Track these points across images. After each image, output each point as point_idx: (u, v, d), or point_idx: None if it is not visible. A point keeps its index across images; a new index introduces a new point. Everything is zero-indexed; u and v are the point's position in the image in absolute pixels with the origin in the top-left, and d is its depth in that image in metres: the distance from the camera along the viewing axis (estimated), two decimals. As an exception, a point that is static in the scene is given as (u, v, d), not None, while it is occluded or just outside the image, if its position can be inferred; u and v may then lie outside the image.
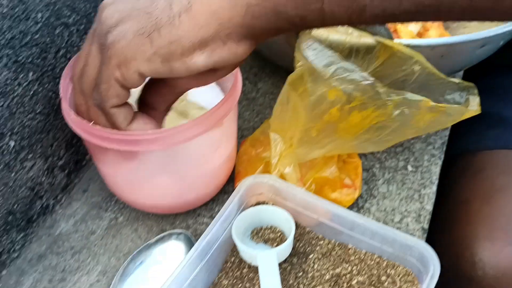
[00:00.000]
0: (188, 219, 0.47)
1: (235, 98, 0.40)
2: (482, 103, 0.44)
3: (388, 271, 0.39)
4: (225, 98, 0.39)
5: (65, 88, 0.40)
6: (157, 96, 0.37)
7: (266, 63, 0.62)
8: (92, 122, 0.36)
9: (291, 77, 0.38)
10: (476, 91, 0.41)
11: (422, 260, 0.37)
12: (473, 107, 0.39)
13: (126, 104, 0.35)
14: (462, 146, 0.63)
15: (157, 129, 0.37)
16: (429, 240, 0.42)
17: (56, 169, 0.47)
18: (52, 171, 0.46)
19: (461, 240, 0.55)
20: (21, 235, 0.45)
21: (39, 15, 0.41)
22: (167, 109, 0.38)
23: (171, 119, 0.40)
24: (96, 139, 0.36)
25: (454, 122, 0.40)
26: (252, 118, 0.56)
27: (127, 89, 0.34)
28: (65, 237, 0.46)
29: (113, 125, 0.35)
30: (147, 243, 0.43)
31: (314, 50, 0.36)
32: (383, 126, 0.39)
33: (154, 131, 0.36)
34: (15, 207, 0.43)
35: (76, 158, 0.50)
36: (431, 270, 0.36)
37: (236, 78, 0.41)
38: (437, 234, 0.56)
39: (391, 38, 0.41)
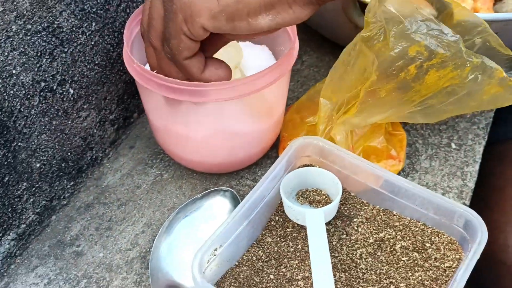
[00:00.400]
0: (231, 180, 0.48)
1: (294, 56, 0.41)
2: None
3: (433, 238, 0.39)
4: (286, 55, 0.40)
5: (129, 36, 0.41)
6: (207, 44, 0.37)
7: (311, 37, 0.62)
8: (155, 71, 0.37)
9: (364, 34, 0.38)
10: None
11: (469, 227, 0.37)
12: None
13: (197, 53, 0.36)
14: (501, 134, 0.63)
15: (225, 79, 0.37)
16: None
17: (107, 123, 0.48)
18: (103, 124, 0.48)
19: (494, 224, 0.55)
20: (72, 183, 0.46)
21: (105, -33, 0.42)
22: (213, 53, 0.39)
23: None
24: (161, 88, 0.37)
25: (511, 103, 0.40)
26: (296, 89, 0.57)
27: (196, 41, 0.35)
28: (111, 189, 0.48)
29: (187, 75, 0.36)
30: (194, 198, 0.44)
31: (399, 5, 0.36)
32: (452, 90, 0.39)
33: (221, 83, 0.37)
34: (68, 155, 0.44)
35: (126, 115, 0.51)
36: (478, 236, 0.36)
37: (294, 43, 0.42)
38: None
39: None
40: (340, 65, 0.42)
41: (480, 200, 0.58)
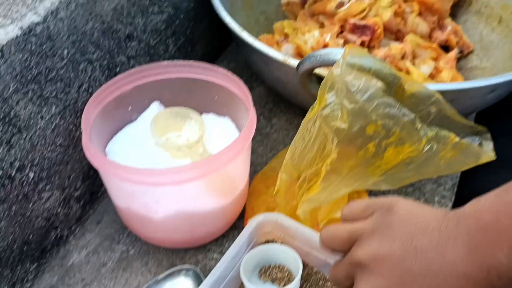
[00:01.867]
0: (198, 254, 0.47)
1: (252, 129, 0.42)
2: (495, 145, 0.44)
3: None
4: (244, 130, 0.40)
5: (87, 122, 0.42)
6: None
7: (281, 99, 0.63)
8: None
9: (322, 112, 0.38)
10: (489, 135, 0.41)
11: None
12: (488, 152, 0.39)
13: None
14: (477, 186, 0.63)
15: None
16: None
17: (72, 200, 0.48)
18: (68, 202, 0.48)
19: None
20: (35, 265, 0.45)
21: (65, 51, 0.43)
22: None
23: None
24: (115, 173, 0.37)
25: (470, 166, 0.40)
26: (265, 154, 0.57)
27: None
28: (76, 268, 0.47)
29: None
30: (156, 278, 0.43)
31: (357, 83, 0.36)
32: (410, 161, 0.39)
33: (168, 170, 0.37)
34: (30, 237, 0.44)
35: (92, 190, 0.51)
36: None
37: (251, 116, 0.42)
38: None
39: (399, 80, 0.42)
40: (299, 141, 0.42)
41: None
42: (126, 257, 0.48)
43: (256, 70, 0.60)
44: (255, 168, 0.55)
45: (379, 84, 0.40)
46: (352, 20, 0.58)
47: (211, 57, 0.68)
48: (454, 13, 0.68)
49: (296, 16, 0.68)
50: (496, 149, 0.43)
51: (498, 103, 0.54)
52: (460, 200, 0.61)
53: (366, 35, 0.56)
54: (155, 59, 0.55)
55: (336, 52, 0.42)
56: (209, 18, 0.64)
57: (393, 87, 0.41)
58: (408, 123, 0.37)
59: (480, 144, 0.41)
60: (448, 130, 0.43)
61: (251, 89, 0.65)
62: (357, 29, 0.56)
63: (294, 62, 0.48)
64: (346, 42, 0.59)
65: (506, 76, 0.47)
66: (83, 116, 0.41)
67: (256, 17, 0.68)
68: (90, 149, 0.39)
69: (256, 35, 0.66)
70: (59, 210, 0.47)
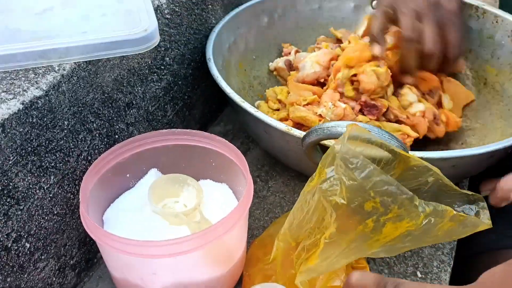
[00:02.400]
0: (195, 324, 0.46)
1: (250, 198, 0.42)
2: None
3: None
4: (242, 200, 0.40)
5: (85, 192, 0.42)
6: None
7: (277, 161, 0.64)
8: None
9: (322, 186, 0.39)
10: (485, 204, 0.42)
11: None
12: (485, 220, 0.40)
13: None
14: (483, 245, 0.63)
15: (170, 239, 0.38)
16: None
17: (68, 269, 0.48)
18: (63, 271, 0.47)
19: None
20: (27, 336, 0.44)
21: (66, 122, 0.44)
22: None
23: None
24: (111, 245, 0.37)
25: (467, 234, 0.41)
26: (262, 217, 0.57)
27: None
28: None
29: None
30: None
31: (355, 161, 0.37)
32: (408, 234, 0.39)
33: (168, 241, 0.37)
34: (24, 308, 0.43)
35: (88, 257, 0.50)
36: None
37: (248, 186, 0.43)
38: None
39: (406, 151, 0.43)
40: (298, 211, 0.42)
41: None
42: (120, 328, 0.46)
43: (254, 136, 0.61)
44: (252, 232, 0.55)
45: (382, 156, 0.41)
46: (363, 98, 0.59)
47: (208, 119, 0.70)
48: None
49: (285, 80, 0.70)
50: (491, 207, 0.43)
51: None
52: (459, 262, 0.60)
53: (373, 114, 0.58)
54: (153, 124, 0.57)
55: (343, 125, 0.43)
56: (206, 82, 0.66)
57: (394, 160, 0.42)
58: (406, 200, 0.37)
59: (477, 213, 0.41)
60: (446, 197, 0.44)
61: (247, 150, 0.66)
62: (367, 107, 0.58)
63: (297, 132, 0.49)
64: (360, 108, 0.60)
65: (504, 142, 0.48)
66: (81, 186, 0.42)
67: (250, 82, 0.70)
68: (87, 221, 0.40)
69: (251, 100, 0.68)
70: (54, 279, 0.46)
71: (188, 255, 0.39)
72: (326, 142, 0.47)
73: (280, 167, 0.63)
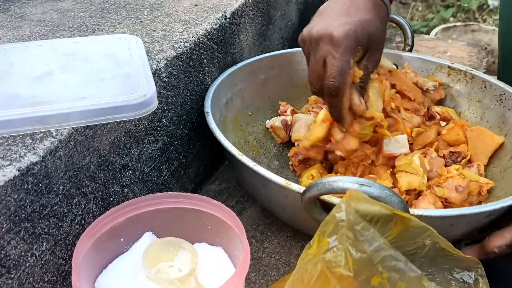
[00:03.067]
0: None
1: (243, 273, 0.41)
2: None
3: None
4: (239, 267, 0.39)
5: (77, 259, 0.41)
6: None
7: (272, 221, 0.63)
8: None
9: (326, 257, 0.38)
10: (482, 270, 0.41)
11: None
12: None
13: None
14: None
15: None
16: None
17: (56, 338, 0.46)
18: None
19: None
20: None
21: (61, 187, 0.43)
22: None
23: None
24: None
25: None
26: (258, 280, 0.56)
27: None
28: None
29: None
30: None
31: (365, 233, 0.37)
32: None
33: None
34: None
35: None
36: None
37: (245, 252, 0.42)
38: None
39: (407, 211, 0.43)
40: (297, 281, 0.41)
41: None
42: None
43: (251, 192, 0.61)
44: (248, 296, 0.53)
45: (381, 213, 0.41)
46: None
47: (203, 178, 0.70)
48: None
49: (280, 138, 0.72)
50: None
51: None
52: None
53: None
54: (148, 185, 0.56)
55: (344, 180, 0.43)
56: (202, 142, 0.66)
57: (392, 219, 0.42)
58: (414, 279, 0.36)
59: (476, 281, 0.41)
60: (443, 263, 0.43)
61: (242, 210, 0.66)
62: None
63: (296, 187, 0.49)
64: None
65: (503, 202, 0.48)
66: (74, 254, 0.41)
67: (245, 137, 0.71)
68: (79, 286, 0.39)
69: (246, 155, 0.68)
70: None
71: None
72: (325, 197, 0.47)
73: (276, 227, 0.63)
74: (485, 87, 0.67)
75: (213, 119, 0.59)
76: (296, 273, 0.41)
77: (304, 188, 0.47)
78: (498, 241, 0.50)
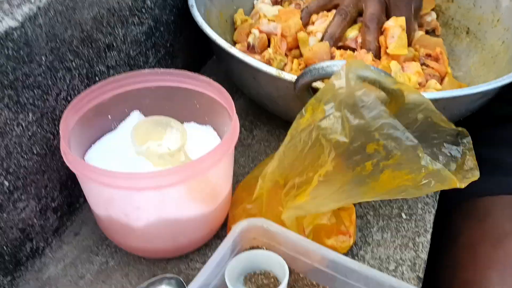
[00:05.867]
0: (180, 264, 0.46)
1: (235, 136, 0.41)
2: (483, 151, 0.43)
3: (384, 319, 0.38)
4: (227, 136, 0.40)
5: (65, 129, 0.41)
6: None
7: (262, 111, 0.63)
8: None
9: (321, 124, 0.38)
10: (470, 144, 0.42)
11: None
12: (474, 171, 0.40)
13: None
14: (465, 191, 0.63)
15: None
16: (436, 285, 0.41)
17: (49, 211, 0.47)
18: (44, 213, 0.46)
19: (471, 285, 0.54)
20: (8, 278, 0.44)
21: (43, 58, 0.42)
22: None
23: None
24: (93, 178, 0.36)
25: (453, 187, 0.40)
26: (247, 164, 0.57)
27: None
28: (53, 281, 0.45)
29: None
30: (137, 287, 0.42)
31: (366, 99, 0.36)
32: (404, 189, 0.39)
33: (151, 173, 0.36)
34: (4, 249, 0.42)
35: (70, 201, 0.49)
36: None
37: (234, 122, 0.42)
38: (445, 279, 0.55)
39: (403, 94, 0.42)
40: (290, 150, 0.41)
41: (453, 259, 0.58)
42: (105, 269, 0.46)
43: (240, 85, 0.60)
44: (237, 178, 0.54)
45: (378, 96, 0.40)
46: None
47: (191, 70, 0.68)
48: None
49: None
50: (485, 154, 0.42)
51: (485, 113, 0.55)
52: (453, 204, 0.61)
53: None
54: (135, 70, 0.55)
55: (338, 64, 0.42)
56: (188, 31, 0.64)
57: (394, 99, 0.41)
58: (410, 148, 0.36)
59: (464, 155, 0.41)
60: (434, 137, 0.43)
61: (232, 101, 0.65)
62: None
63: (288, 76, 0.48)
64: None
65: (495, 82, 0.48)
66: (61, 122, 0.41)
67: (231, 32, 0.69)
68: (68, 155, 0.39)
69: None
70: (35, 221, 0.45)
71: (172, 189, 0.39)
72: (319, 84, 0.47)
73: (265, 117, 0.63)
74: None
75: (198, 12, 0.56)
76: (288, 143, 0.41)
77: (296, 76, 0.46)
78: None
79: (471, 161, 0.43)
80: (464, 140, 0.43)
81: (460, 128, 0.43)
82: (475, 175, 0.41)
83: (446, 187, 0.38)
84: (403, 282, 0.37)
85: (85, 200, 0.51)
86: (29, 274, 0.45)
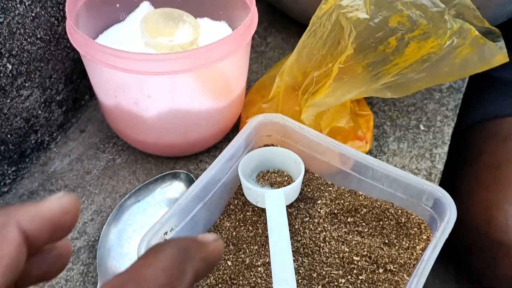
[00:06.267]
0: (189, 164, 0.45)
1: (253, 27, 0.38)
2: (507, 73, 0.40)
3: (400, 219, 0.37)
4: (244, 25, 0.37)
5: (71, 10, 0.38)
6: None
7: (277, 19, 0.60)
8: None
9: (341, 2, 0.35)
10: (501, 38, 0.39)
11: (438, 206, 0.35)
12: (503, 50, 0.37)
13: None
14: (487, 113, 0.61)
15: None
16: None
17: (54, 104, 0.45)
18: (49, 105, 0.44)
19: (492, 204, 0.53)
20: (13, 168, 0.42)
21: None
22: None
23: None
24: (102, 59, 0.34)
25: (481, 70, 0.38)
26: (260, 71, 0.54)
27: None
28: (59, 175, 0.44)
29: None
30: (147, 181, 0.41)
31: None
32: (428, 58, 0.36)
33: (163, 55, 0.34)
34: (8, 137, 0.41)
35: (75, 96, 0.47)
36: (447, 215, 0.34)
37: (252, 12, 0.39)
38: (465, 198, 0.54)
39: None
40: (310, 37, 0.39)
41: (472, 179, 0.57)
42: (112, 165, 0.45)
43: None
44: (250, 83, 0.52)
45: None
46: None
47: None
48: None
49: None
50: (505, 75, 0.40)
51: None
52: (474, 125, 0.59)
53: None
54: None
55: None
56: None
57: None
58: (436, 14, 0.34)
59: (495, 41, 0.39)
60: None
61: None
62: None
63: None
64: None
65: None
66: (67, 3, 0.38)
67: None
68: (74, 34, 0.36)
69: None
70: (39, 112, 0.43)
71: (184, 75, 0.36)
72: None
73: (280, 25, 0.59)
74: None
75: None
76: (308, 30, 0.39)
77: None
78: None
79: (502, 46, 0.40)
80: (496, 41, 0.40)
81: (493, 28, 0.40)
82: (504, 56, 0.38)
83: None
84: (423, 180, 0.36)
85: (90, 98, 0.49)
86: (34, 167, 0.44)
